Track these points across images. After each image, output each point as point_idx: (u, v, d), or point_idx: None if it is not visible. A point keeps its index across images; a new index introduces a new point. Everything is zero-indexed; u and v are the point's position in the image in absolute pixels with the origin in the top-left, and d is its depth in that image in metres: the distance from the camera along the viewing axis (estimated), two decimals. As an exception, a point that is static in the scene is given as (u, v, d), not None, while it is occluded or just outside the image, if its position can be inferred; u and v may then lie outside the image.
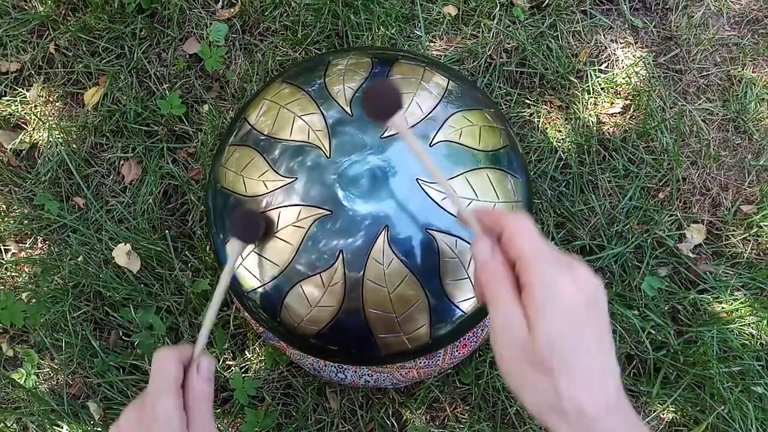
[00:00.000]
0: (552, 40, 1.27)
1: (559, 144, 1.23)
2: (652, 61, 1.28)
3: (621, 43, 1.29)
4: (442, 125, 0.71)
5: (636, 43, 1.30)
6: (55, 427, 1.15)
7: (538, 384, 0.45)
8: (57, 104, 1.26)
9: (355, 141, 0.69)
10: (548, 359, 0.44)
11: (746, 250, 1.21)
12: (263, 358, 1.14)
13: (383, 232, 0.66)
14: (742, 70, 1.28)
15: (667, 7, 1.31)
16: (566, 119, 1.25)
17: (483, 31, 1.28)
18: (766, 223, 1.20)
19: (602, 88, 1.26)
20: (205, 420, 0.60)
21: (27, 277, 1.20)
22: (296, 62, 1.25)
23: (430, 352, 0.88)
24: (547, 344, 0.44)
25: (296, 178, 0.68)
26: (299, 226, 0.67)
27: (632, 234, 1.19)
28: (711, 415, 1.11)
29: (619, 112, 1.25)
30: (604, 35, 1.30)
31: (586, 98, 1.25)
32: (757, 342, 1.16)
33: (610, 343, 0.47)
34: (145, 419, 0.56)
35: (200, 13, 1.27)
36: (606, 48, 1.29)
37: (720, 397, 1.12)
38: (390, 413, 1.13)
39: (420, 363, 0.99)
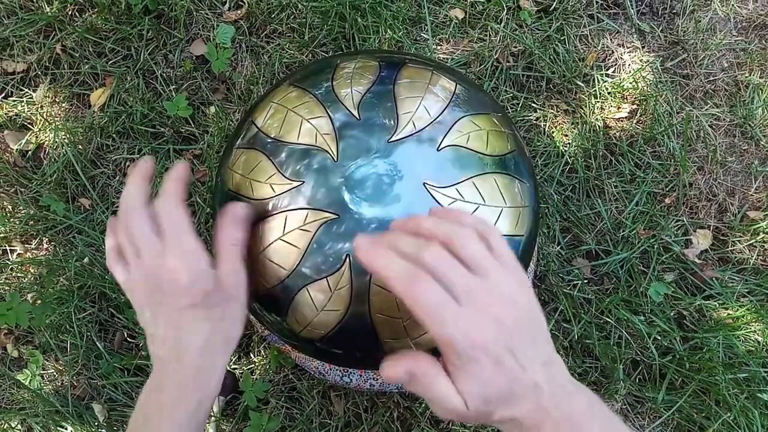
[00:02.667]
0: (559, 44, 1.27)
1: (566, 148, 1.23)
2: (659, 65, 1.28)
3: (628, 48, 1.29)
4: (450, 129, 0.70)
5: (643, 47, 1.29)
6: (59, 429, 1.15)
7: (478, 420, 0.53)
8: (63, 105, 1.27)
9: (362, 145, 0.69)
10: (484, 412, 0.51)
11: (752, 257, 1.20)
12: (268, 360, 1.14)
13: (390, 236, 0.66)
14: (750, 75, 1.28)
15: (675, 11, 1.31)
16: (573, 123, 1.24)
17: (490, 35, 1.28)
18: (772, 229, 1.20)
19: (609, 93, 1.26)
20: (235, 260, 0.64)
21: (32, 278, 1.20)
22: (303, 65, 1.25)
23: (436, 357, 0.88)
24: (482, 405, 0.51)
25: (303, 181, 0.68)
26: (306, 230, 0.67)
27: (638, 239, 1.19)
28: (716, 422, 1.10)
29: (625, 117, 1.25)
30: (611, 39, 1.29)
31: (593, 102, 1.25)
32: (763, 349, 1.15)
33: (534, 337, 0.53)
34: (171, 262, 0.59)
35: (207, 14, 1.28)
36: (613, 52, 1.29)
37: (726, 403, 1.11)
38: (395, 417, 1.13)
39: (425, 367, 0.99)
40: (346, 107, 0.71)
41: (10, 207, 1.22)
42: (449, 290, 0.50)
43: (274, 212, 0.69)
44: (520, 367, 0.51)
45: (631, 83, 1.26)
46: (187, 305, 0.60)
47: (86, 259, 1.19)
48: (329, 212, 0.67)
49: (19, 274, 1.21)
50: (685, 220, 1.21)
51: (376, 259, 0.52)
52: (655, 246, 1.19)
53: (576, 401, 0.53)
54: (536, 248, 1.13)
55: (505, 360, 0.50)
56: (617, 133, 1.24)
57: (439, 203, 0.67)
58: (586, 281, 1.18)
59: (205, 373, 0.62)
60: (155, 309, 0.61)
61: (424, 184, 0.67)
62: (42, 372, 1.17)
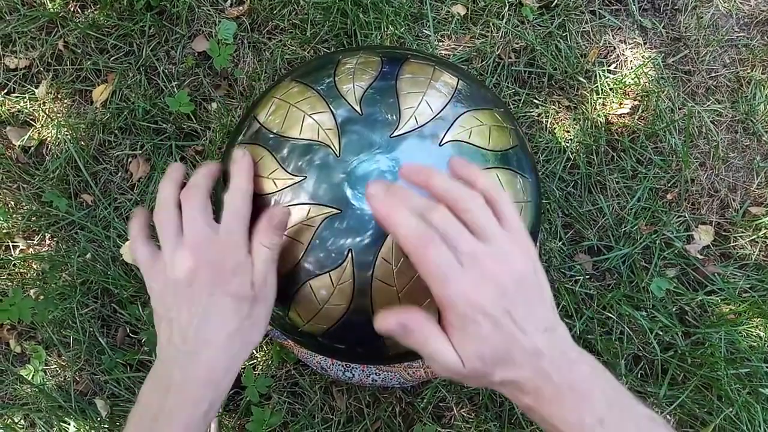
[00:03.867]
0: (561, 40, 1.27)
1: (568, 144, 1.23)
2: (661, 61, 1.28)
3: (630, 44, 1.29)
4: (452, 125, 0.70)
5: (645, 43, 1.29)
6: (62, 424, 1.15)
7: (480, 382, 0.54)
8: (65, 101, 1.27)
9: (364, 140, 0.69)
10: (482, 371, 0.52)
11: (754, 252, 1.20)
12: (270, 356, 1.14)
13: (392, 231, 0.66)
14: (752, 71, 1.28)
15: (676, 8, 1.31)
16: (575, 119, 1.24)
17: (492, 31, 1.28)
18: (774, 225, 1.20)
19: (611, 89, 1.26)
20: (269, 264, 0.63)
21: (35, 274, 1.21)
22: (305, 61, 1.25)
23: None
24: (479, 364, 0.52)
25: (305, 176, 0.68)
26: (308, 225, 0.67)
27: (640, 235, 1.19)
28: (718, 417, 1.11)
29: (627, 113, 1.25)
30: (613, 36, 1.29)
31: (595, 99, 1.25)
32: (765, 344, 1.16)
33: (538, 304, 0.55)
34: (218, 244, 0.60)
35: (209, 10, 1.28)
36: (615, 48, 1.29)
37: (727, 398, 1.11)
38: (396, 412, 1.13)
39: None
40: (348, 102, 0.71)
41: (12, 203, 1.23)
42: (454, 253, 0.52)
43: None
44: (519, 330, 0.52)
45: (632, 79, 1.26)
46: (221, 292, 0.59)
47: (89, 255, 1.19)
48: (332, 207, 0.67)
49: (21, 270, 1.21)
50: (686, 215, 1.21)
51: (390, 215, 0.53)
52: (657, 242, 1.19)
53: (578, 369, 0.54)
54: (538, 244, 1.13)
55: (504, 322, 0.52)
56: (619, 129, 1.24)
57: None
58: (587, 277, 1.18)
59: (220, 373, 0.59)
60: (183, 291, 0.59)
61: (426, 179, 0.67)
62: (45, 367, 1.18)
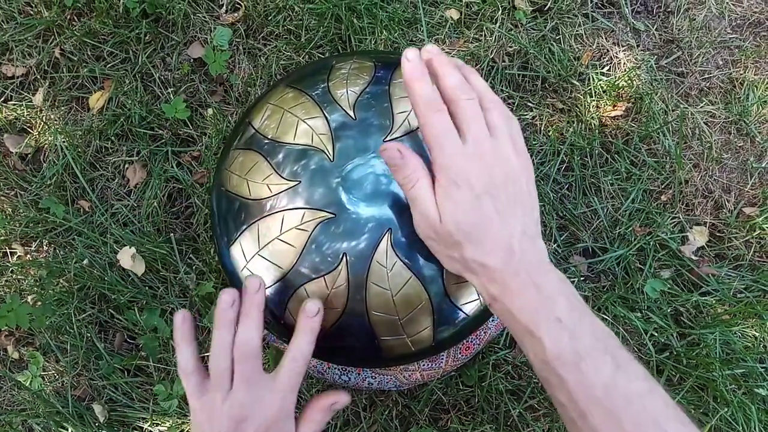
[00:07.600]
0: (554, 44, 1.28)
1: (562, 147, 1.23)
2: (654, 64, 1.28)
3: (623, 46, 1.30)
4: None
5: (638, 46, 1.30)
6: (60, 429, 1.15)
7: (452, 254, 0.59)
8: (62, 108, 1.27)
9: (358, 144, 0.70)
10: (454, 237, 0.57)
11: (749, 253, 1.21)
12: (267, 360, 1.15)
13: (386, 235, 0.67)
14: (744, 72, 1.28)
15: (669, 10, 1.32)
16: (568, 122, 1.25)
17: (485, 35, 1.28)
18: (768, 226, 1.21)
19: (604, 91, 1.26)
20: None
21: (32, 280, 1.21)
22: (300, 66, 1.25)
23: (433, 355, 0.89)
24: (452, 226, 0.56)
25: (300, 181, 0.69)
26: (303, 229, 0.67)
27: (635, 236, 1.20)
28: (714, 418, 1.11)
29: (621, 115, 1.25)
30: (606, 38, 1.30)
31: (589, 101, 1.26)
32: (760, 344, 1.16)
33: (522, 208, 0.58)
34: (268, 409, 0.64)
35: (204, 17, 1.28)
36: (608, 51, 1.30)
37: (723, 399, 1.12)
38: (393, 415, 1.13)
39: (423, 365, 1.00)
40: (342, 107, 0.72)
41: (10, 210, 1.23)
42: (463, 130, 0.57)
43: (272, 212, 0.69)
44: (497, 216, 0.56)
45: (626, 81, 1.26)
46: None
47: (86, 261, 1.19)
48: (326, 212, 0.67)
49: (19, 276, 1.22)
50: (681, 217, 1.22)
51: (414, 79, 0.58)
52: (652, 243, 1.19)
53: (548, 276, 0.57)
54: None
55: (484, 202, 0.56)
56: (613, 131, 1.25)
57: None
58: (582, 278, 1.19)
59: None
60: None
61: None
62: (42, 373, 1.18)
